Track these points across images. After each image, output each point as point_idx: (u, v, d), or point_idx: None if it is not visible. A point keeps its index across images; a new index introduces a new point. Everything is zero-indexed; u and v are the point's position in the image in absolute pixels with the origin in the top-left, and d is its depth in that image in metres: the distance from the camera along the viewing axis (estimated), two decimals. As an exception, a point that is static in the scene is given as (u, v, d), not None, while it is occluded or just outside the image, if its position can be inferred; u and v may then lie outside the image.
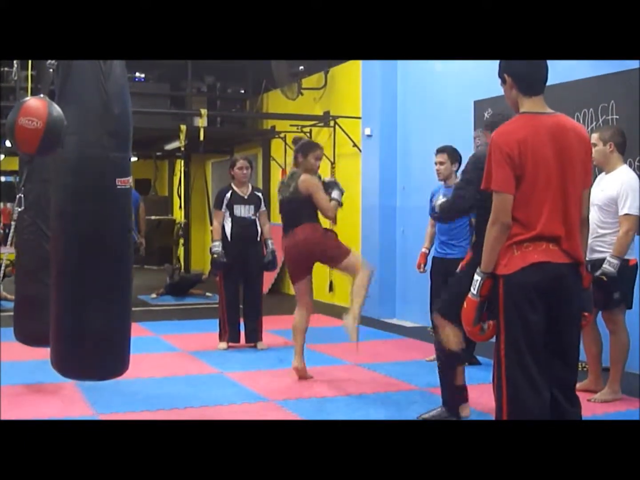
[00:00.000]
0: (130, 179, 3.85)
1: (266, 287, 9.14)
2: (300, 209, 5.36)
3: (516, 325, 3.00)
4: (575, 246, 3.05)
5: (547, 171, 3.00)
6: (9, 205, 13.19)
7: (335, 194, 5.41)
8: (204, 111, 9.99)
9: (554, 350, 3.06)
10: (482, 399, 4.82)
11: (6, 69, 10.07)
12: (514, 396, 3.01)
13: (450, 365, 4.38)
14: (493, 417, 3.19)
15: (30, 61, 4.64)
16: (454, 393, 4.38)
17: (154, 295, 10.48)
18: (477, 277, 3.10)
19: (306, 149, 5.50)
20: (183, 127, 10.00)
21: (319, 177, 5.53)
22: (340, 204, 5.45)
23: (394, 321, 8.49)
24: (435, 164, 6.00)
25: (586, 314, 3.25)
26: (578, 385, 3.28)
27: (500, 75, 3.17)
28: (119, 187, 3.76)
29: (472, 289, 3.13)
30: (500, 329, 3.06)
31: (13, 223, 4.43)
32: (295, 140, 5.82)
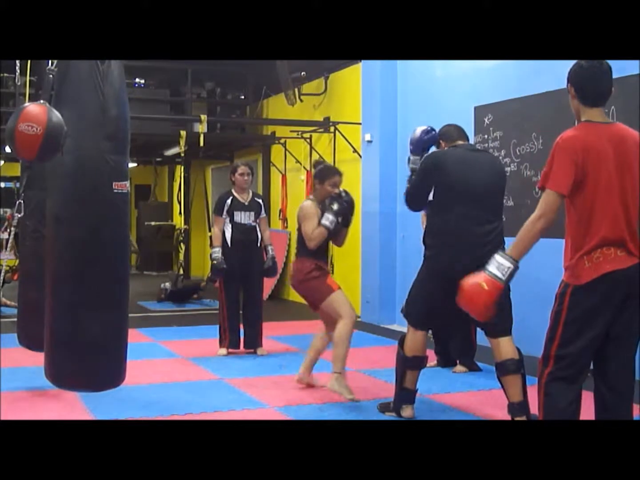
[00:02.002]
0: (128, 183, 3.81)
1: (266, 293, 9.12)
2: (299, 239, 5.21)
3: (572, 338, 3.07)
4: (638, 245, 3.13)
5: (608, 177, 3.08)
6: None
7: (326, 218, 4.98)
8: (203, 117, 9.99)
9: (614, 353, 3.12)
10: (482, 405, 4.80)
11: (6, 74, 10.07)
12: (548, 402, 3.10)
13: (402, 366, 4.47)
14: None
15: (29, 67, 4.63)
16: (398, 393, 4.49)
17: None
18: (509, 264, 3.09)
19: (323, 176, 5.13)
20: (183, 133, 10.00)
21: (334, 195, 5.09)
22: (329, 227, 4.97)
23: (394, 327, 8.46)
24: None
25: None
26: None
27: (566, 83, 3.24)
28: (115, 190, 3.71)
29: (499, 273, 3.09)
30: (556, 335, 3.10)
31: (12, 229, 4.42)
32: (315, 164, 5.52)
